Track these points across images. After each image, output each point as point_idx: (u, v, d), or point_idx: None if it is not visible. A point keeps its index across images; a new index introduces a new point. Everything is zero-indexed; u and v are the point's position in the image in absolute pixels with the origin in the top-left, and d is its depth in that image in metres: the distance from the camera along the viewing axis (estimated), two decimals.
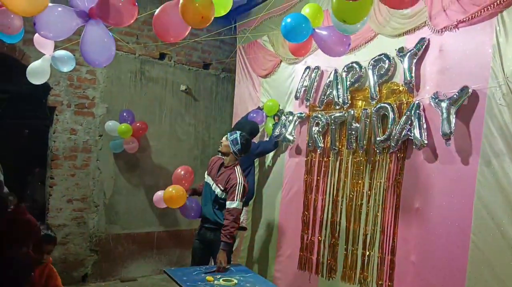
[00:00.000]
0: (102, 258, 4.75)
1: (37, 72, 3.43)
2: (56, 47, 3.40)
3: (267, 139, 4.39)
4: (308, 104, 3.94)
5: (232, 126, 4.42)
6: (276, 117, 4.36)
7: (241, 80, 5.02)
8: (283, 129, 4.14)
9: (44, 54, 3.46)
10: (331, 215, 3.63)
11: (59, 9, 2.25)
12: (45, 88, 4.51)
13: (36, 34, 3.11)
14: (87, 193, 4.64)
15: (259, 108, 4.52)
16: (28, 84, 4.79)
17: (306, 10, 2.84)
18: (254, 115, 4.41)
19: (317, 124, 3.78)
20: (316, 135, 3.77)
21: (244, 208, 3.82)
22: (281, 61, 4.34)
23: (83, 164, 4.64)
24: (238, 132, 3.63)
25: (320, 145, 3.74)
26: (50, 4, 2.17)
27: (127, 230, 4.94)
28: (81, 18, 2.29)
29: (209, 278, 3.09)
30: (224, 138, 3.62)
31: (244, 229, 4.32)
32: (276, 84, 4.44)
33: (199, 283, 3.01)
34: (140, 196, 5.02)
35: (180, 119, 5.41)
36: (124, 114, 4.67)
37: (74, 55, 3.51)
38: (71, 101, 4.56)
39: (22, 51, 4.24)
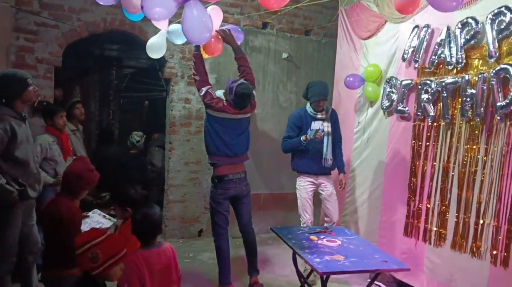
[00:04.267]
0: None
1: (155, 47, 3.77)
2: (170, 22, 3.70)
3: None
4: (416, 65, 3.73)
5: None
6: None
7: (342, 44, 4.91)
8: (386, 100, 4.03)
9: (159, 30, 3.79)
10: (441, 182, 3.48)
11: None
12: (161, 61, 4.95)
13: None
14: (201, 157, 5.05)
15: None
16: (146, 58, 5.30)
17: None
18: (351, 79, 4.33)
19: (427, 91, 3.58)
20: (425, 104, 3.58)
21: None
22: (385, 22, 4.15)
23: (197, 130, 5.06)
24: (240, 81, 3.60)
25: (430, 113, 3.55)
26: None
27: None
28: None
29: (312, 237, 3.23)
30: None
31: None
32: (379, 46, 4.26)
33: (304, 241, 3.17)
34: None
35: (282, 87, 5.54)
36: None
37: None
38: (184, 73, 4.95)
39: (141, 28, 4.68)
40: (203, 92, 3.62)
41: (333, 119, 4.18)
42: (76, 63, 6.25)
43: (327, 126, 4.08)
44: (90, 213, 2.80)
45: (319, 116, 4.08)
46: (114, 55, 6.81)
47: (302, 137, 3.96)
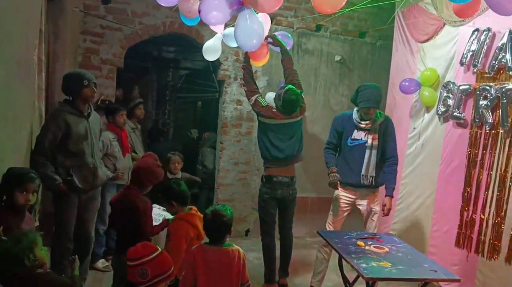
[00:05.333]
0: None
1: (211, 49, 3.90)
2: (226, 26, 3.81)
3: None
4: (475, 70, 3.60)
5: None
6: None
7: (398, 47, 4.81)
8: (442, 105, 3.89)
9: (215, 33, 3.92)
10: (497, 192, 3.32)
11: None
12: (216, 64, 5.10)
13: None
14: (250, 157, 5.16)
15: None
16: (201, 60, 5.45)
17: None
18: (407, 83, 4.23)
19: (485, 97, 3.44)
20: (483, 110, 3.44)
21: None
22: (444, 25, 4.02)
23: (247, 131, 5.16)
24: (288, 86, 3.60)
25: (489, 120, 3.40)
26: None
27: None
28: (235, 6, 2.53)
29: (360, 243, 3.20)
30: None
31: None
32: (436, 50, 4.14)
33: (350, 246, 3.14)
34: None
35: (333, 90, 5.51)
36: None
37: None
38: (237, 75, 5.07)
39: (198, 31, 4.85)
40: (252, 102, 3.78)
41: (384, 129, 3.65)
42: (136, 64, 6.58)
43: (371, 139, 3.59)
44: None
45: (362, 125, 3.61)
46: (171, 57, 7.09)
47: (331, 169, 3.63)
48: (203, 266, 2.20)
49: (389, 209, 3.62)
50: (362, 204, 3.70)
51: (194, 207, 2.87)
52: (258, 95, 3.79)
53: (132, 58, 5.32)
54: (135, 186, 2.80)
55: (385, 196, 3.63)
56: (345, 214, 3.78)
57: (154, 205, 3.03)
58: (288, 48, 4.00)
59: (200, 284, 2.19)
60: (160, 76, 7.38)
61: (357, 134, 3.62)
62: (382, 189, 3.74)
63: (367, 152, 3.58)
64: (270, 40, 3.85)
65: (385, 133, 3.64)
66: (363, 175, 3.60)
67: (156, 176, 2.84)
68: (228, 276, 2.24)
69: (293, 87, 3.68)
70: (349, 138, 3.65)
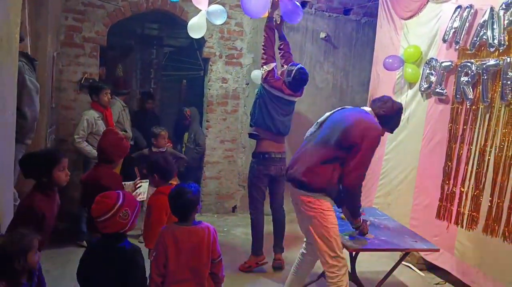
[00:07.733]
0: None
1: (196, 27, 3.87)
2: (210, 2, 3.78)
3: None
4: (457, 47, 3.66)
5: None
6: None
7: (382, 24, 4.84)
8: (424, 82, 3.96)
9: (200, 10, 3.89)
10: (476, 166, 3.44)
11: None
12: (200, 41, 5.06)
13: None
14: (236, 135, 5.20)
15: None
16: (185, 38, 5.38)
17: None
18: (390, 60, 4.28)
19: (467, 74, 3.51)
20: (465, 87, 3.52)
21: None
22: (427, 1, 4.06)
23: (233, 109, 5.18)
24: (299, 65, 3.64)
25: (469, 96, 3.49)
26: None
27: None
28: None
29: (343, 216, 3.30)
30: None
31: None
32: (420, 27, 4.19)
33: None
34: None
35: (318, 67, 5.53)
36: None
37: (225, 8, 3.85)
38: (222, 53, 5.05)
39: (182, 8, 4.80)
40: (270, 68, 3.70)
41: None
42: (119, 42, 6.46)
43: None
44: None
45: None
46: (154, 34, 6.98)
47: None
48: (174, 247, 2.15)
49: None
50: None
51: (174, 182, 2.88)
52: (275, 63, 3.77)
53: (115, 36, 5.23)
54: (103, 163, 2.76)
55: None
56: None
57: (124, 183, 3.03)
58: (298, 19, 3.77)
59: (170, 263, 2.15)
60: (144, 54, 7.27)
61: None
62: None
63: None
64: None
65: None
66: None
67: (123, 149, 2.80)
68: (198, 254, 2.18)
69: (304, 67, 3.75)
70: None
